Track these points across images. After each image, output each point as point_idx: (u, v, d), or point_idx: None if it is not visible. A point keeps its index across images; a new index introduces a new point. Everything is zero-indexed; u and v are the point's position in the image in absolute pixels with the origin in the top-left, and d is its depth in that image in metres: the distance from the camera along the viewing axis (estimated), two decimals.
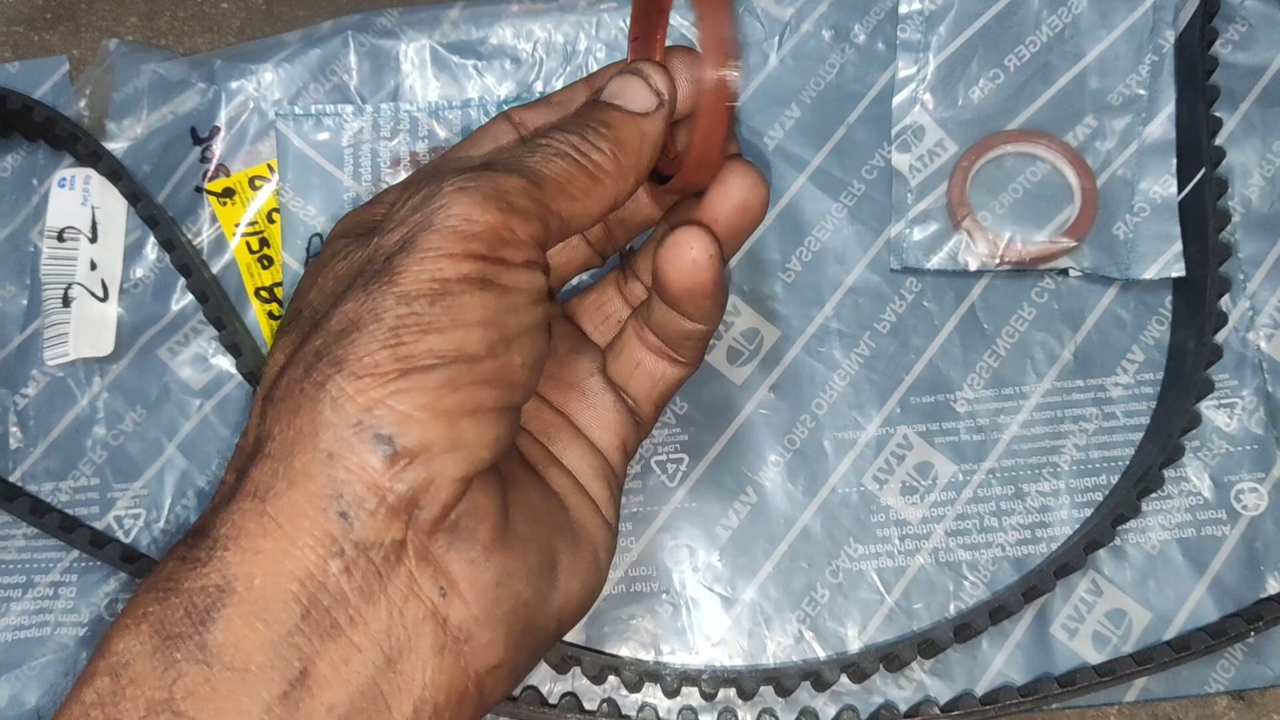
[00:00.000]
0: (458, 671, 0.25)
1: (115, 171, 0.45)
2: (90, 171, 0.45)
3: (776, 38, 0.46)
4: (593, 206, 0.29)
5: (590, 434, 0.33)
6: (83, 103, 0.47)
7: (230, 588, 0.23)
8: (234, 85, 0.46)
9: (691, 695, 0.39)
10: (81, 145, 0.45)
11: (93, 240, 0.45)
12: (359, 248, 0.27)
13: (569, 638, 0.39)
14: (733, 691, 0.39)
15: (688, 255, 0.30)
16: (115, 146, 0.46)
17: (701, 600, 0.40)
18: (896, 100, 0.45)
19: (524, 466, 0.30)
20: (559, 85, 0.45)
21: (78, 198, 0.45)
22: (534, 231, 0.27)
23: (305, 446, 0.24)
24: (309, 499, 0.23)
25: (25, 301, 0.45)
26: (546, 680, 0.39)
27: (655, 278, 0.31)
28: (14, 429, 0.43)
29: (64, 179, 0.45)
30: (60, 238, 0.44)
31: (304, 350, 0.25)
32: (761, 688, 0.38)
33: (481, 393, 0.25)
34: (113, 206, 0.45)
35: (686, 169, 0.30)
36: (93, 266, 0.44)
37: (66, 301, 0.44)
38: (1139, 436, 0.41)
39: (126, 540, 0.42)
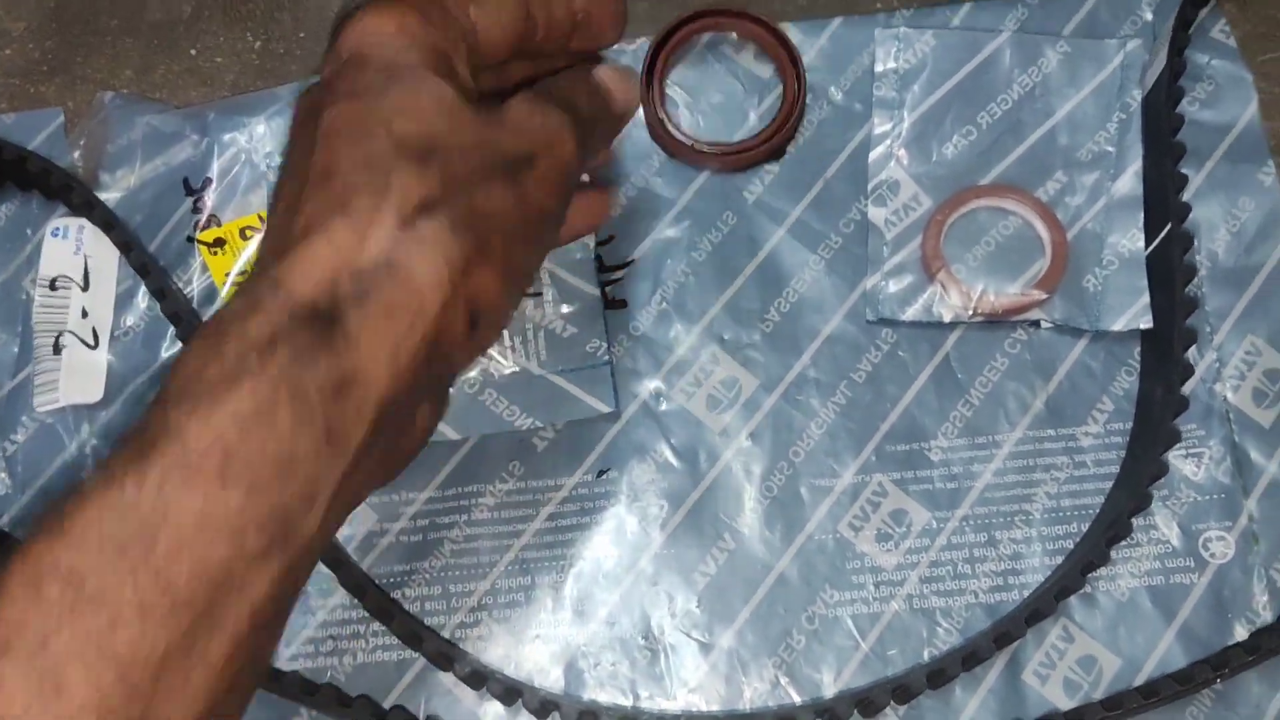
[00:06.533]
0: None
1: (108, 221, 0.46)
2: (83, 221, 0.46)
3: (756, 96, 0.47)
4: None
5: None
6: (77, 154, 0.48)
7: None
8: (226, 138, 0.47)
9: None
10: (75, 195, 0.46)
11: (84, 289, 0.45)
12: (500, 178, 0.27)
13: (549, 686, 0.40)
14: None
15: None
16: (108, 197, 0.47)
17: (679, 646, 0.41)
18: (873, 156, 0.46)
19: None
20: None
21: (70, 247, 0.46)
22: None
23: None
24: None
25: (16, 349, 0.46)
26: None
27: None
28: (2, 475, 0.44)
29: (57, 228, 0.46)
30: (52, 286, 0.45)
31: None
32: None
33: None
34: (105, 256, 0.46)
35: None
36: (84, 314, 0.45)
37: (57, 349, 0.44)
38: (1109, 485, 0.42)
39: None
